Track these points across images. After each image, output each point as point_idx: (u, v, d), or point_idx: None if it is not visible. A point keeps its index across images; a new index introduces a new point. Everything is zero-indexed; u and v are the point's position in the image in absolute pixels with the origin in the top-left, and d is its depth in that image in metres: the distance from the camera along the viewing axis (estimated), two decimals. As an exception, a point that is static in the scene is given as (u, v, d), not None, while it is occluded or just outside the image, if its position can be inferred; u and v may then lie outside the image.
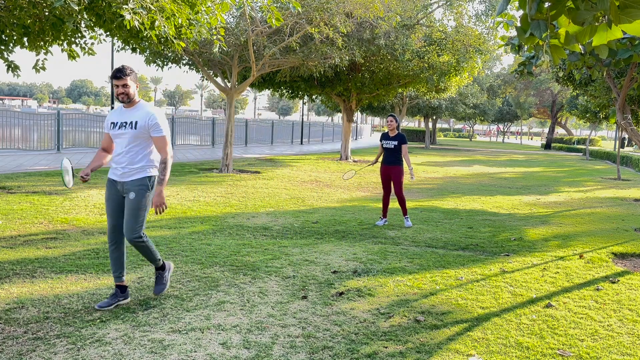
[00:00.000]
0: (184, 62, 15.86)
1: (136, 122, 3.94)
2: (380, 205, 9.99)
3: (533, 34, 2.65)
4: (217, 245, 6.20)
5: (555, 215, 9.68)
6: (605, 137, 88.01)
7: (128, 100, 3.96)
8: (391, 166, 7.86)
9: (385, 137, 7.92)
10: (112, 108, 20.29)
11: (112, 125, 4.02)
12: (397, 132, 7.87)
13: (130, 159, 3.99)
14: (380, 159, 8.13)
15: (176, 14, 6.74)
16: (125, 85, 3.92)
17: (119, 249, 4.12)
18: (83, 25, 7.40)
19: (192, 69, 16.54)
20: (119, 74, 3.88)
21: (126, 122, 3.96)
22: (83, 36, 7.86)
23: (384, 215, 8.08)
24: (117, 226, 4.09)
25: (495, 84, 44.55)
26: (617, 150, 20.63)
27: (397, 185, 7.87)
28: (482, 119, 48.97)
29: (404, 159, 7.85)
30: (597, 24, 2.50)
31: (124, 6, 6.03)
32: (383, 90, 19.89)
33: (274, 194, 10.92)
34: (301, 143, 34.48)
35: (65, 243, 6.01)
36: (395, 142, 7.79)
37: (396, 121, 7.86)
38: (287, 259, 5.66)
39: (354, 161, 21.35)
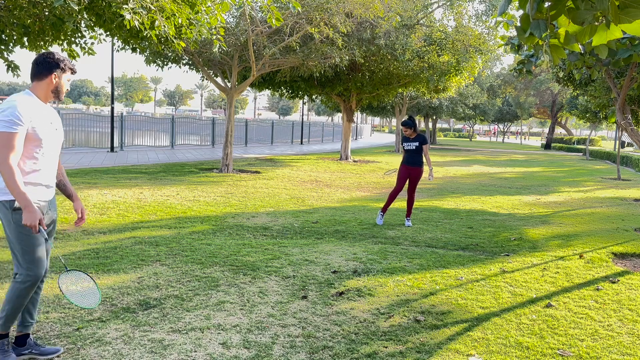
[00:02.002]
0: (184, 62, 15.86)
1: (60, 125, 3.28)
2: (380, 205, 9.99)
3: (533, 34, 2.65)
4: (217, 245, 6.20)
5: (555, 215, 9.68)
6: (605, 137, 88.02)
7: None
8: (413, 167, 7.99)
9: (405, 139, 8.08)
10: (112, 108, 20.26)
11: (43, 127, 3.06)
12: (416, 134, 8.00)
13: (55, 172, 3.28)
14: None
15: (176, 14, 6.74)
16: None
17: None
18: (83, 25, 7.40)
19: (192, 69, 16.54)
20: (74, 69, 3.27)
21: (54, 123, 3.18)
22: (83, 36, 7.86)
23: (383, 211, 8.10)
24: None
25: (495, 84, 44.55)
26: (617, 150, 20.64)
27: (413, 185, 8.05)
28: (482, 119, 48.95)
29: (424, 159, 7.99)
30: (596, 23, 2.50)
31: (124, 6, 6.03)
32: (383, 90, 19.88)
33: (274, 194, 10.92)
34: (301, 143, 34.47)
35: (65, 243, 6.01)
36: (417, 143, 7.94)
37: (410, 127, 7.94)
38: (287, 259, 5.66)
39: (354, 161, 21.35)
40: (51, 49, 7.89)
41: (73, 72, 3.22)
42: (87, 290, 3.27)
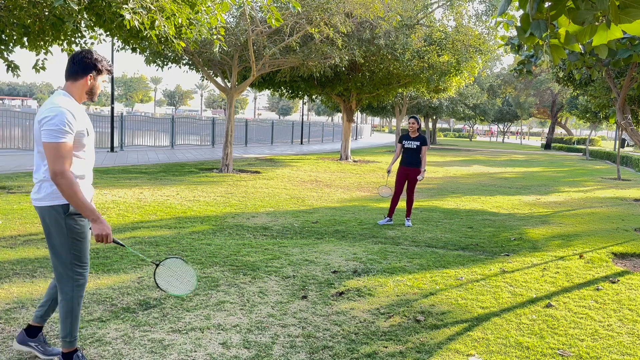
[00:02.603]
0: (184, 62, 15.86)
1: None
2: (380, 205, 10.00)
3: (533, 34, 2.65)
4: (217, 245, 6.20)
5: (555, 215, 9.68)
6: (605, 137, 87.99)
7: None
8: (411, 167, 7.93)
9: (406, 137, 8.00)
10: (113, 108, 20.25)
11: (87, 130, 3.02)
12: (418, 133, 7.94)
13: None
14: (398, 160, 8.17)
15: (176, 14, 6.74)
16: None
17: None
18: (83, 25, 7.41)
19: (192, 69, 16.54)
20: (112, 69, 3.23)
21: (89, 124, 3.11)
22: (83, 36, 7.87)
23: (389, 215, 8.11)
24: None
25: (495, 84, 44.55)
26: (617, 150, 20.64)
27: (412, 186, 8.00)
28: (482, 118, 48.94)
29: (421, 160, 7.95)
30: (597, 23, 2.50)
31: (124, 6, 6.03)
32: (383, 90, 19.88)
33: (274, 194, 10.92)
34: (301, 143, 34.47)
35: (65, 243, 6.01)
36: (418, 143, 7.89)
37: (418, 123, 7.92)
38: (287, 259, 5.66)
39: (354, 161, 21.35)
40: (51, 49, 7.88)
41: (109, 72, 3.13)
42: (182, 273, 3.30)
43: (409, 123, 7.96)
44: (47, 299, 3.25)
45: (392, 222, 8.11)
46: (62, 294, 3.01)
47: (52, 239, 2.95)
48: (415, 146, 7.88)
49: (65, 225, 2.92)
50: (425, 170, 7.95)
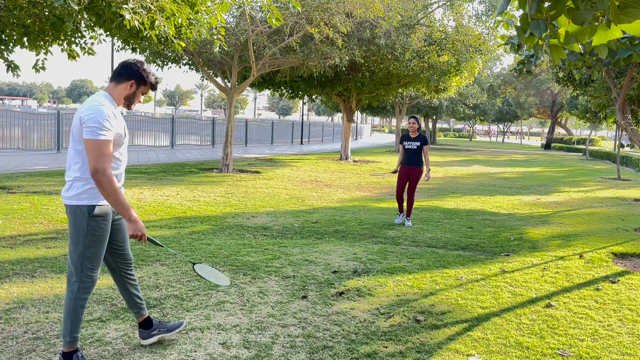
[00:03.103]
0: (184, 62, 15.86)
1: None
2: (380, 205, 10.01)
3: (533, 34, 2.65)
4: (217, 245, 6.20)
5: (555, 215, 9.68)
6: (605, 137, 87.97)
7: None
8: (412, 167, 7.97)
9: (406, 138, 8.04)
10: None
11: (124, 131, 3.11)
12: (418, 133, 7.98)
13: None
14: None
15: (176, 14, 6.74)
16: None
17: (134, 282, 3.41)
18: (83, 25, 7.40)
19: (192, 69, 16.55)
20: (157, 84, 3.22)
21: (125, 127, 3.20)
22: (83, 36, 7.86)
23: (401, 211, 8.20)
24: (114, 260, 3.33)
25: (495, 84, 44.54)
26: (617, 150, 20.64)
27: (413, 186, 8.03)
28: (482, 119, 48.93)
29: (424, 160, 7.98)
30: (596, 23, 2.50)
31: (124, 6, 6.03)
32: (383, 90, 19.88)
33: (274, 194, 10.92)
34: (301, 143, 34.47)
35: (65, 243, 6.01)
36: (418, 143, 7.92)
37: (418, 122, 7.96)
38: (287, 259, 5.66)
39: (354, 161, 21.35)
40: (51, 49, 7.89)
41: (153, 88, 3.16)
42: (215, 273, 3.59)
43: (409, 123, 7.98)
44: (122, 293, 3.38)
45: (409, 221, 8.06)
46: (68, 292, 3.05)
47: (72, 237, 3.01)
48: (415, 146, 7.91)
49: (87, 226, 2.97)
50: (430, 169, 7.98)
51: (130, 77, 3.04)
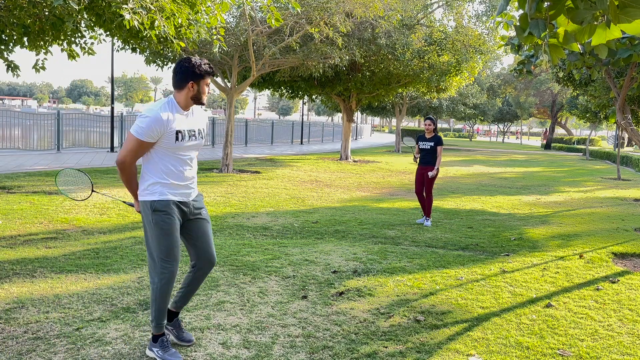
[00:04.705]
0: (184, 62, 15.81)
1: (203, 129, 3.35)
2: (380, 205, 10.01)
3: (532, 33, 2.65)
4: (217, 245, 6.20)
5: (555, 215, 9.68)
6: (605, 137, 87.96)
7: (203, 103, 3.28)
8: (426, 167, 8.09)
9: (422, 138, 8.18)
10: (112, 108, 20.23)
11: (179, 135, 3.15)
12: (434, 133, 8.07)
13: (195, 172, 3.39)
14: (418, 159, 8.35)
15: (176, 14, 6.74)
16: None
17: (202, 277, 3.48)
18: (83, 25, 7.41)
19: (192, 69, 16.51)
20: (212, 69, 3.22)
21: (194, 130, 3.25)
22: (83, 36, 7.87)
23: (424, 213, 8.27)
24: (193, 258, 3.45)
25: (495, 84, 44.53)
26: (617, 150, 20.65)
27: (429, 185, 8.09)
28: (482, 119, 48.89)
29: (436, 159, 8.05)
30: (596, 23, 2.50)
31: (124, 6, 6.03)
32: (383, 90, 19.88)
33: (274, 194, 10.92)
34: (301, 143, 34.47)
35: (65, 243, 6.01)
36: (432, 143, 8.03)
37: (434, 124, 8.09)
38: (287, 259, 5.66)
39: (354, 161, 21.35)
40: (51, 49, 7.89)
41: (210, 74, 3.20)
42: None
43: (425, 124, 8.15)
44: (181, 287, 3.47)
45: (429, 221, 8.10)
46: (151, 283, 3.26)
47: (144, 231, 3.24)
48: (429, 147, 8.04)
49: (152, 220, 3.15)
50: (438, 168, 8.04)
51: (187, 80, 3.12)
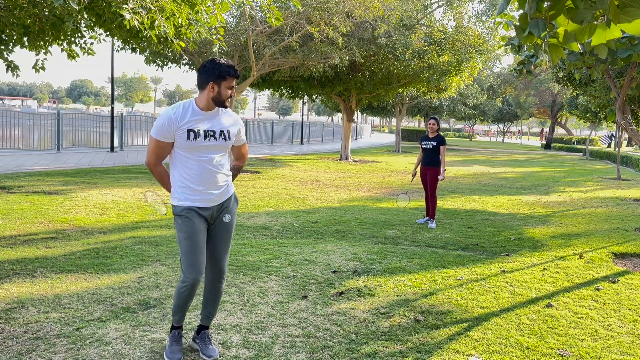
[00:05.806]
0: (184, 62, 15.85)
1: (228, 131, 3.23)
2: (380, 205, 10.01)
3: (532, 33, 2.65)
4: (217, 245, 6.19)
5: (555, 215, 9.68)
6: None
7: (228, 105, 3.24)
8: (429, 167, 8.06)
9: (424, 138, 8.16)
10: (112, 108, 20.23)
11: (191, 133, 3.12)
12: (437, 133, 8.08)
13: (224, 174, 3.30)
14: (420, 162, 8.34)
15: (176, 14, 6.74)
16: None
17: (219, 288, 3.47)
18: (83, 25, 7.41)
19: (192, 69, 16.54)
20: (235, 72, 3.16)
21: (214, 131, 3.17)
22: (83, 36, 7.87)
23: (427, 214, 8.25)
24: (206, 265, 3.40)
25: (495, 84, 44.51)
26: (617, 150, 20.66)
27: (432, 186, 8.06)
28: (482, 119, 48.87)
29: (441, 160, 8.02)
30: (596, 23, 2.50)
31: (124, 6, 6.03)
32: (383, 90, 19.88)
33: (274, 193, 10.92)
34: (301, 143, 34.47)
35: (65, 243, 6.01)
36: (434, 143, 8.00)
37: (438, 124, 8.08)
38: (287, 259, 5.66)
39: (354, 161, 21.35)
40: (51, 49, 7.89)
41: (233, 76, 3.13)
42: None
43: (429, 124, 8.10)
44: (203, 299, 3.47)
45: (433, 223, 8.05)
46: (179, 281, 3.29)
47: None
48: (431, 146, 8.00)
49: (176, 223, 3.24)
50: (444, 170, 8.02)
51: (208, 80, 3.10)
